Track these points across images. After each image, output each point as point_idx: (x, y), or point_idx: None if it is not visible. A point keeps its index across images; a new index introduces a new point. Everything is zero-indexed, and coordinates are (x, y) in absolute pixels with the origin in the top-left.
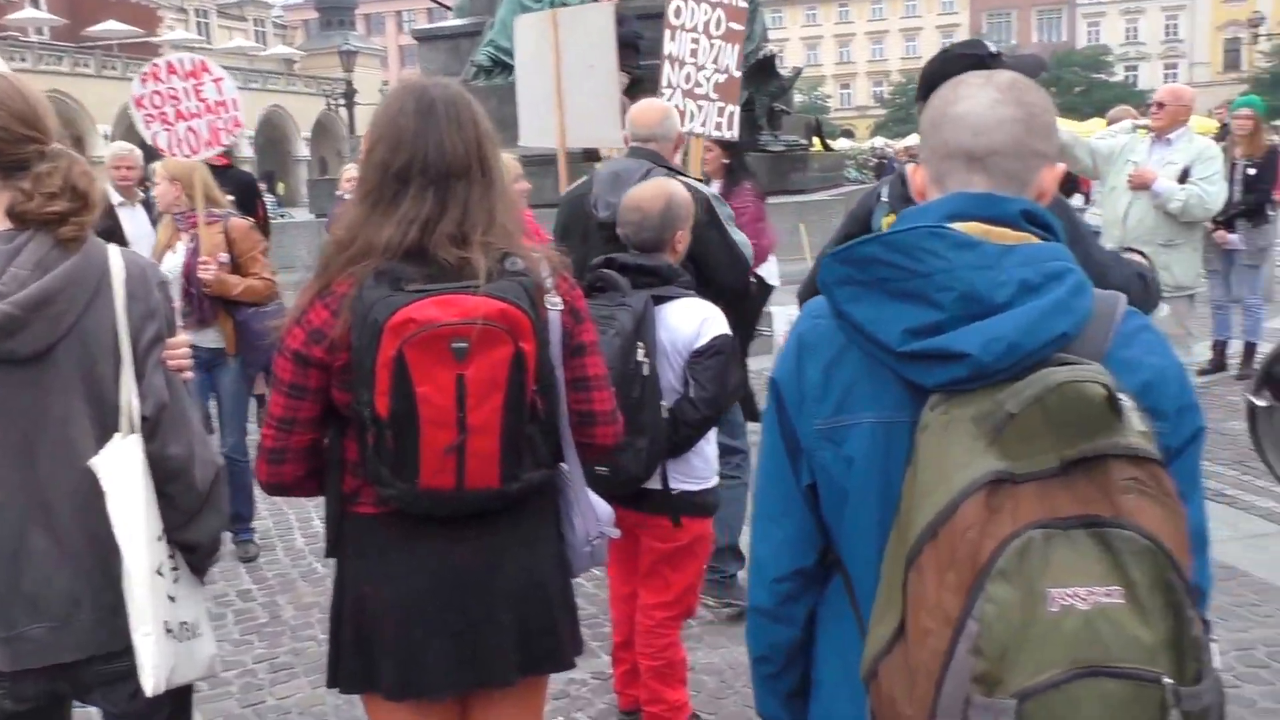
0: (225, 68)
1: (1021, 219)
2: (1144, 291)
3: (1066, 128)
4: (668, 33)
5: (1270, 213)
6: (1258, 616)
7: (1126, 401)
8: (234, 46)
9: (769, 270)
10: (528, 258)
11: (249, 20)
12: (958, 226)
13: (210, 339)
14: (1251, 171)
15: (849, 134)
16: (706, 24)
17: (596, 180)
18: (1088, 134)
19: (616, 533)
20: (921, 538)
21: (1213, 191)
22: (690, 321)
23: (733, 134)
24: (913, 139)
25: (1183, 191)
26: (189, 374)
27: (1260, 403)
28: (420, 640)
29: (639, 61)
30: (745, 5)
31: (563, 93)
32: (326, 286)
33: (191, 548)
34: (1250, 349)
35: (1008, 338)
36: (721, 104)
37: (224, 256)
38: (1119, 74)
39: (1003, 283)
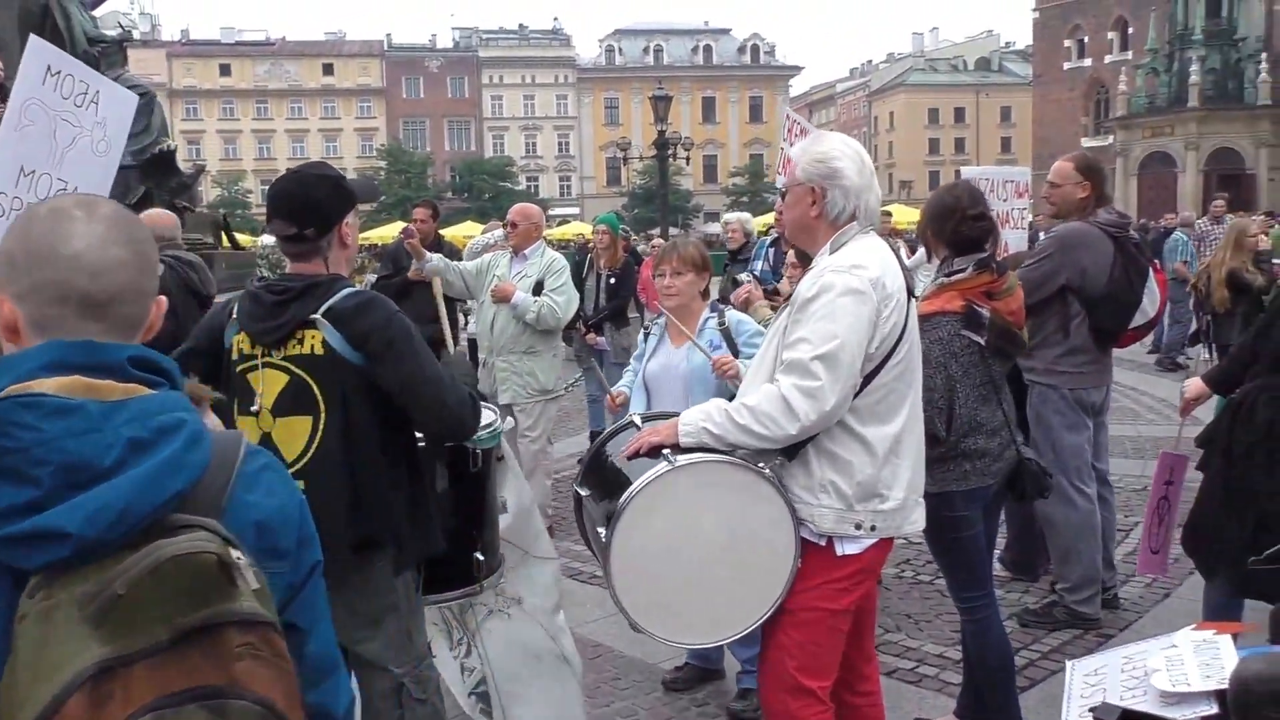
0: None
1: (129, 366)
2: (473, 408)
3: (439, 255)
4: None
5: (631, 315)
6: (618, 689)
7: (242, 560)
8: None
9: None
10: None
11: None
12: (53, 383)
13: None
14: (613, 281)
15: None
16: None
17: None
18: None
19: None
20: None
21: (561, 301)
22: None
23: None
24: None
25: (535, 303)
26: None
27: (583, 492)
28: None
29: None
30: None
31: None
32: None
33: None
34: None
35: (117, 506)
36: None
37: None
38: (522, 183)
39: (110, 445)
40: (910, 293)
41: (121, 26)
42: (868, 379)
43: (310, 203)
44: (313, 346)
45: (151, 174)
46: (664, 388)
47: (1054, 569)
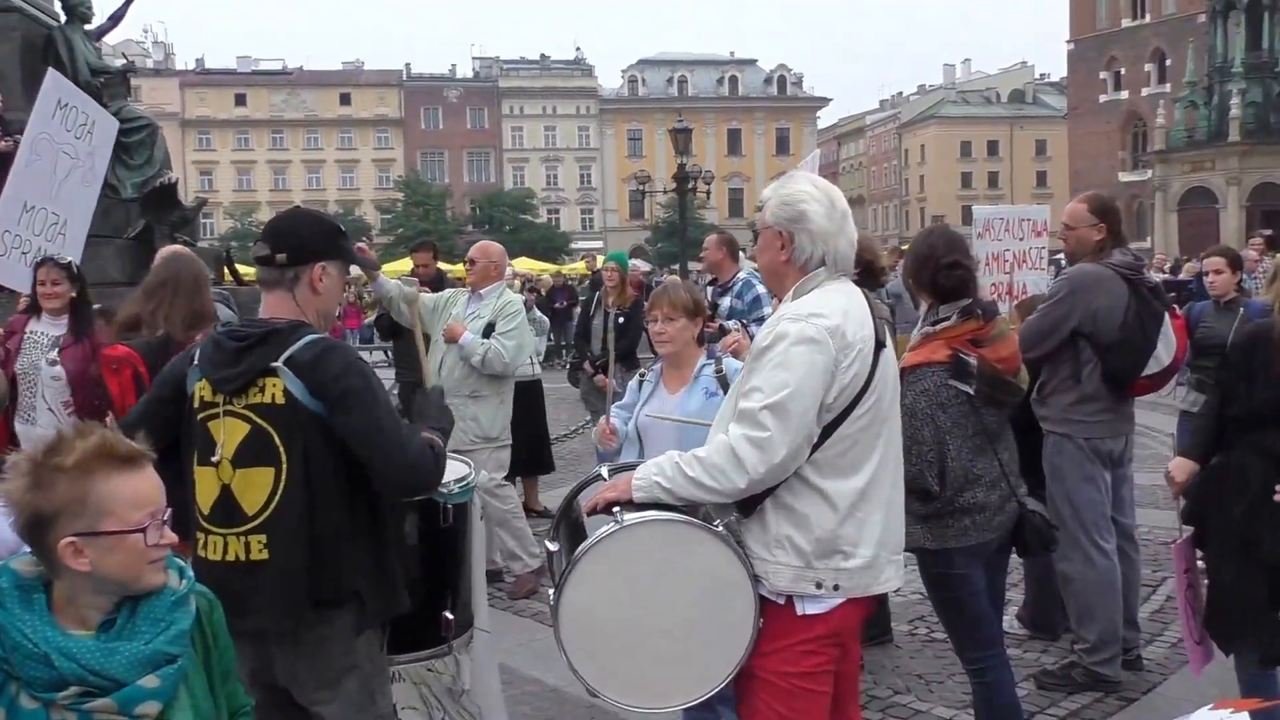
0: None
1: None
2: (434, 462)
3: (393, 279)
4: None
5: (642, 355)
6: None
7: None
8: None
9: None
10: None
11: None
12: None
13: None
14: (621, 320)
15: None
16: None
17: None
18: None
19: None
20: None
21: (510, 346)
22: None
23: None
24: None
25: (482, 346)
26: None
27: (552, 547)
28: None
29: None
30: None
31: None
32: None
33: None
34: None
35: None
36: None
37: None
38: (543, 216)
39: None
40: (880, 343)
41: (126, 57)
42: (829, 430)
43: (292, 231)
44: (274, 395)
45: (152, 207)
46: (658, 437)
47: (1072, 628)
